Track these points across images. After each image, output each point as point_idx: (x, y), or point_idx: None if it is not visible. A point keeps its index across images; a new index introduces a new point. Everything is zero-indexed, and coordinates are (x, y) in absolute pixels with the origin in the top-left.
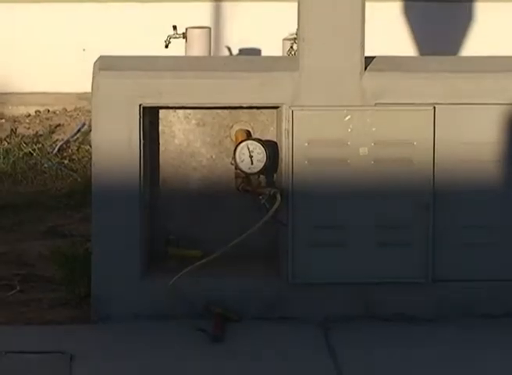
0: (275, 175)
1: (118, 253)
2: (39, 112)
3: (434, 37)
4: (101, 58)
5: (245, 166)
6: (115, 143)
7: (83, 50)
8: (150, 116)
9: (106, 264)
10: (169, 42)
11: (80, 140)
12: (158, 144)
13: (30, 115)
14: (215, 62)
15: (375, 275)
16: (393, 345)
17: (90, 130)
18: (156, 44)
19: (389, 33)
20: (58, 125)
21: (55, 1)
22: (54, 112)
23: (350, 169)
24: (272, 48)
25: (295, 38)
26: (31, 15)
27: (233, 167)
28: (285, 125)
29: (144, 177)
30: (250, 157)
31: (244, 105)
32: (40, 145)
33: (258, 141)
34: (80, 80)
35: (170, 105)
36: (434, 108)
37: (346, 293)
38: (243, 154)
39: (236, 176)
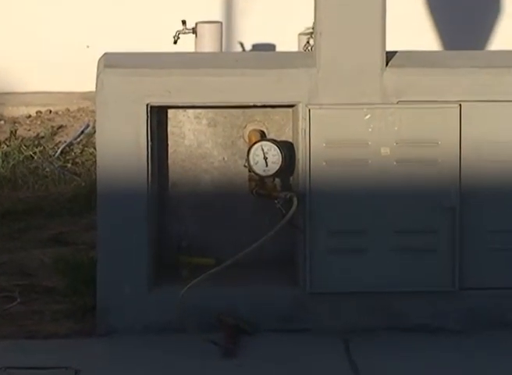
0: (291, 178)
1: (125, 262)
2: (40, 112)
3: (460, 30)
4: (106, 55)
5: (259, 168)
6: (121, 145)
7: (87, 47)
8: (158, 116)
9: (112, 273)
10: (178, 38)
11: (84, 142)
12: (167, 145)
13: (30, 116)
14: (226, 58)
15: (398, 283)
16: (417, 358)
17: (95, 132)
18: (164, 40)
19: (411, 26)
20: (61, 126)
21: None
22: (56, 113)
23: (371, 170)
24: (288, 43)
25: (311, 33)
26: (30, 9)
27: (247, 170)
28: (301, 124)
29: (152, 181)
30: (265, 159)
31: (258, 104)
32: (41, 148)
33: (273, 141)
34: (83, 79)
35: (179, 105)
36: (460, 105)
37: (367, 302)
38: (257, 155)
39: (250, 179)
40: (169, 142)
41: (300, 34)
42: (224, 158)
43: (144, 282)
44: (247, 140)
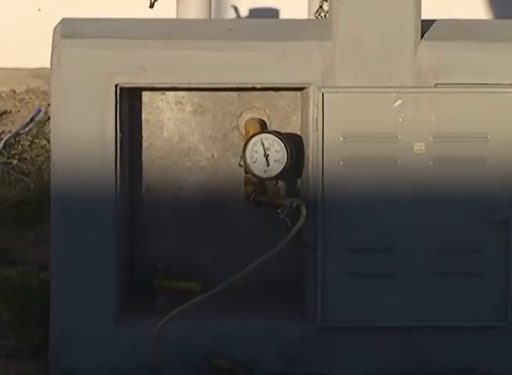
0: (298, 181)
1: (86, 286)
2: None
3: None
4: (64, 21)
5: (259, 168)
6: (82, 136)
7: (39, 10)
8: (130, 101)
9: (69, 301)
10: (155, 0)
11: (34, 132)
12: (141, 138)
13: None
14: (217, 27)
15: (433, 316)
16: None
17: (48, 119)
18: (138, 3)
19: None
20: (4, 112)
21: None
22: None
23: (401, 172)
24: (295, 8)
25: None
26: None
27: (242, 170)
28: (313, 113)
29: (121, 183)
30: (266, 156)
31: (257, 86)
32: None
33: (276, 134)
34: (33, 52)
35: (157, 86)
36: None
37: (393, 340)
38: (256, 152)
39: (247, 183)
40: (144, 134)
41: None
42: (213, 155)
43: (110, 312)
44: (244, 132)
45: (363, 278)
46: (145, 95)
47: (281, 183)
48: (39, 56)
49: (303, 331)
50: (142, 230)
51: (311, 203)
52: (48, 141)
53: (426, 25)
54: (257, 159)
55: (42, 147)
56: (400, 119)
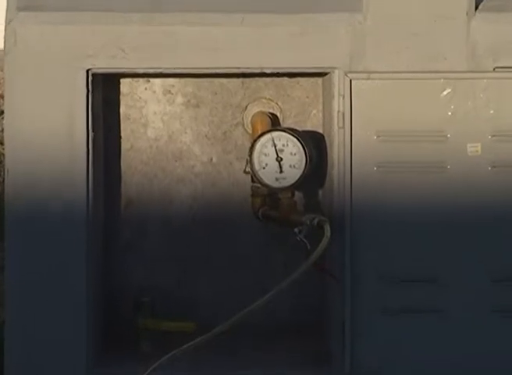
0: (320, 191)
1: (51, 326)
2: None
3: None
4: None
5: (269, 175)
6: (43, 137)
7: None
8: (105, 90)
9: (29, 347)
10: None
11: None
12: (120, 138)
13: None
14: None
15: (494, 362)
16: None
17: (1, 115)
18: None
19: None
20: None
21: None
22: None
23: (451, 179)
24: None
25: None
26: None
27: (249, 178)
28: (338, 105)
29: (94, 196)
30: (279, 160)
31: (267, 71)
32: None
33: (292, 132)
34: None
35: (139, 71)
36: None
37: None
38: (267, 155)
39: (254, 194)
40: (123, 133)
41: None
42: (211, 160)
43: (81, 361)
44: (250, 129)
45: (402, 316)
46: (124, 83)
47: (298, 194)
48: None
49: None
50: (121, 256)
51: (337, 220)
52: (1, 143)
53: None
54: (267, 164)
55: None
56: (450, 113)
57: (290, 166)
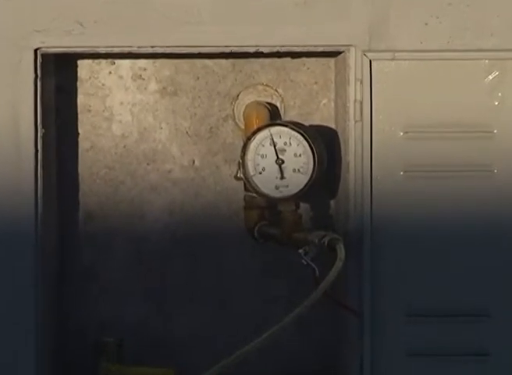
0: (331, 202)
1: None
2: None
3: None
4: None
5: (267, 182)
6: None
7: None
8: (58, 75)
9: None
10: None
11: None
12: (77, 135)
13: None
14: None
15: None
16: None
17: None
18: None
19: None
20: None
21: None
22: None
23: (499, 186)
24: None
25: None
26: None
27: (241, 185)
28: (355, 92)
29: (44, 208)
30: (279, 163)
31: (265, 50)
32: None
33: (295, 127)
34: None
35: (102, 51)
36: None
37: None
38: (264, 156)
39: (249, 206)
40: (81, 129)
41: None
42: (193, 162)
43: None
44: (243, 124)
45: (434, 359)
46: (83, 66)
47: (304, 206)
48: None
49: None
50: (80, 285)
51: (353, 239)
52: None
53: None
54: (264, 168)
55: None
56: (497, 103)
57: (294, 171)
